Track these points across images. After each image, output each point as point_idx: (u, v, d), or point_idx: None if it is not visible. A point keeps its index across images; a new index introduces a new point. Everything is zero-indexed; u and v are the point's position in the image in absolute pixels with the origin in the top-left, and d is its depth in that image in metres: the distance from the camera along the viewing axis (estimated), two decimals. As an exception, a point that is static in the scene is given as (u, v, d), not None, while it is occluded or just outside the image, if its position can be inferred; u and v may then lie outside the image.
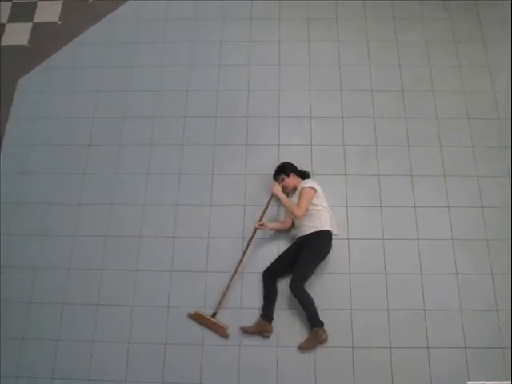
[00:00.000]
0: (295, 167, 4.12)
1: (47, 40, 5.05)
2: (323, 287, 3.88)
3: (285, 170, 4.06)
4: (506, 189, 4.19)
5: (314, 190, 3.89)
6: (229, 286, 3.83)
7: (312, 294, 3.73)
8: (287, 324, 3.78)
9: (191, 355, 3.74)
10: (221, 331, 3.76)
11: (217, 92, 4.65)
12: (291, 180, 4.04)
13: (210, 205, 4.20)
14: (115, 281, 3.99)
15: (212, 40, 4.94)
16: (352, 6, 5.07)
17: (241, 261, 3.88)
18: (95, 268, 4.03)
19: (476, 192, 4.19)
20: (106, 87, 4.75)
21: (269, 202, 4.00)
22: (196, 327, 3.80)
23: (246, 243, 3.95)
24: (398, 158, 4.32)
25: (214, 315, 3.79)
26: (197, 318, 3.81)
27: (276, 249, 4.02)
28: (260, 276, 3.90)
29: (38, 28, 5.15)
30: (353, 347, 3.70)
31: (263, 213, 3.98)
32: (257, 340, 3.73)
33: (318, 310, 3.69)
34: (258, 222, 3.94)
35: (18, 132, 4.60)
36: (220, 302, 3.80)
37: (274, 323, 3.75)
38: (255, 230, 3.93)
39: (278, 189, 3.93)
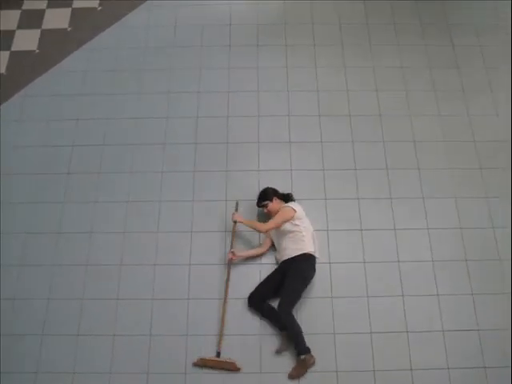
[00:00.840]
0: (277, 191, 4.12)
1: (25, 68, 5.04)
2: (306, 311, 3.87)
3: (267, 195, 4.05)
4: (483, 210, 4.26)
5: (293, 210, 3.89)
6: (223, 320, 3.80)
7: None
8: (271, 349, 3.76)
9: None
10: (231, 367, 3.68)
11: (196, 119, 4.68)
12: (274, 204, 4.02)
13: (191, 231, 4.18)
14: (96, 310, 3.92)
15: (191, 67, 4.98)
16: (329, 33, 5.17)
17: (226, 291, 3.87)
18: (75, 298, 3.97)
19: (454, 213, 4.25)
20: (86, 115, 4.74)
21: (233, 231, 4.01)
22: (180, 356, 3.75)
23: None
24: (377, 181, 4.38)
25: (218, 355, 3.72)
26: (202, 363, 3.71)
27: (258, 273, 4.01)
28: (244, 302, 3.89)
29: (15, 56, 5.14)
30: (337, 371, 3.68)
31: (231, 242, 3.99)
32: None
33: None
34: (230, 251, 3.94)
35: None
36: (220, 340, 3.75)
37: (259, 349, 3.75)
38: (229, 260, 3.93)
39: (237, 216, 3.95)
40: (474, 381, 3.66)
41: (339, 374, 3.67)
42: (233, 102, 4.78)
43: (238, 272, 4.01)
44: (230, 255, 3.91)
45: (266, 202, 4.03)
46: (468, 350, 3.77)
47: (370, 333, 3.81)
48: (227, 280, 3.91)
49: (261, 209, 4.10)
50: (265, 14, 5.31)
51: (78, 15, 5.41)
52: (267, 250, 4.07)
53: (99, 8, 5.43)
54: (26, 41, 5.27)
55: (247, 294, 3.88)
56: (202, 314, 3.87)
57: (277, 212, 3.96)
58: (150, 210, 4.29)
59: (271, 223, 3.85)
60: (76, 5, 5.48)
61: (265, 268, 4.03)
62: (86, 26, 5.31)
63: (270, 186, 4.13)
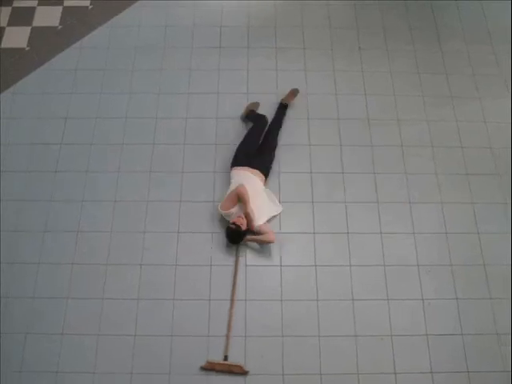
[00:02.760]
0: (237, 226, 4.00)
1: (15, 66, 5.01)
2: (291, 314, 3.88)
3: (240, 235, 4.01)
4: (469, 215, 4.30)
5: (241, 187, 4.03)
6: (230, 323, 3.83)
7: (280, 322, 3.81)
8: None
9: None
10: (238, 370, 3.70)
11: (185, 120, 4.68)
12: (243, 221, 4.02)
13: (178, 232, 4.18)
14: (81, 309, 3.91)
15: (182, 67, 4.98)
16: (319, 37, 5.18)
17: (233, 293, 3.92)
18: (61, 297, 3.95)
19: (440, 218, 4.28)
20: (75, 114, 4.72)
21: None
22: (163, 357, 3.76)
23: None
24: (364, 185, 4.39)
25: (225, 358, 3.74)
26: (210, 367, 3.72)
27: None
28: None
29: (5, 54, 5.11)
30: (321, 374, 3.70)
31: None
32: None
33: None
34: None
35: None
36: (228, 343, 3.78)
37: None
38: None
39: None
40: (457, 385, 3.68)
41: (323, 376, 3.69)
42: (222, 103, 4.78)
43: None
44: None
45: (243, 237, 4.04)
46: (452, 354, 3.80)
47: (355, 336, 3.83)
48: (234, 283, 3.95)
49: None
50: (255, 16, 5.32)
51: (68, 13, 5.38)
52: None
53: (90, 7, 5.41)
54: (16, 38, 5.23)
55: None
56: (187, 314, 3.88)
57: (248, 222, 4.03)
58: (137, 210, 4.26)
59: (249, 208, 4.00)
60: (67, 3, 5.46)
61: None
62: (77, 24, 5.29)
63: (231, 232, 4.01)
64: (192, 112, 4.72)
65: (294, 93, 4.71)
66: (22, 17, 5.37)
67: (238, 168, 4.24)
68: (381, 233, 4.19)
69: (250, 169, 4.21)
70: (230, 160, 4.35)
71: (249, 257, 4.10)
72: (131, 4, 5.40)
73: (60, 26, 5.28)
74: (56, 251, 4.12)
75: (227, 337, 3.80)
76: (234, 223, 3.95)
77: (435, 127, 4.69)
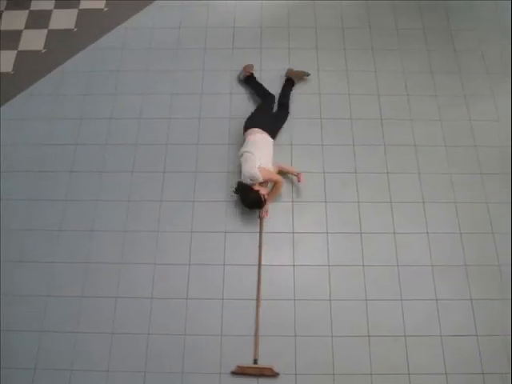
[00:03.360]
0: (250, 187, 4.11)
1: (31, 68, 5.09)
2: (304, 314, 3.88)
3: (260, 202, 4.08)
4: (484, 214, 4.26)
5: (266, 169, 4.08)
6: (257, 326, 3.84)
7: (293, 322, 3.83)
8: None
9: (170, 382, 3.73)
10: (269, 373, 3.69)
11: (199, 120, 4.70)
12: (262, 186, 4.13)
13: (191, 231, 4.20)
14: (95, 308, 3.95)
15: (194, 69, 5.01)
16: (331, 37, 5.19)
17: (259, 293, 3.94)
18: (74, 295, 3.99)
19: (454, 218, 4.25)
20: (89, 115, 4.77)
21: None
22: (176, 354, 3.78)
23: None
24: (377, 184, 4.38)
25: (255, 361, 3.73)
26: (241, 371, 3.70)
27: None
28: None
29: (22, 56, 5.18)
30: (333, 374, 3.70)
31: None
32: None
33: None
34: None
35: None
36: (256, 346, 3.78)
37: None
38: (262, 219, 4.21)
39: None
40: (471, 386, 3.65)
41: (336, 376, 3.69)
42: (235, 103, 4.80)
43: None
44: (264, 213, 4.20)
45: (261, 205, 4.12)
46: (466, 355, 3.77)
47: (368, 336, 3.81)
48: (258, 282, 3.98)
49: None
50: (268, 17, 5.34)
51: (84, 16, 5.46)
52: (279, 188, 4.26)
53: (105, 9, 5.48)
54: (33, 41, 5.31)
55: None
56: (201, 313, 3.91)
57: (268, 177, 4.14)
58: (150, 210, 4.30)
59: (274, 176, 4.19)
60: (83, 5, 5.53)
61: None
62: (92, 26, 5.36)
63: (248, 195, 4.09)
64: (204, 112, 4.75)
65: (301, 74, 4.88)
66: (38, 20, 5.47)
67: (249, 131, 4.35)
68: (394, 232, 4.17)
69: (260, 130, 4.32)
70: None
71: (262, 256, 4.10)
72: (145, 6, 5.46)
73: (76, 29, 5.35)
74: (70, 250, 4.16)
75: (256, 339, 3.80)
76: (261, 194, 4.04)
77: (449, 126, 4.66)
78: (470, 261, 4.08)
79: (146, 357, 3.78)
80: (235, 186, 4.09)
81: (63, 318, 3.92)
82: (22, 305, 3.98)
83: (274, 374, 3.68)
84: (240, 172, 4.16)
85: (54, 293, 4.01)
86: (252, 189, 4.02)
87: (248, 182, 4.02)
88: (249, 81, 4.84)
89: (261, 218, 4.21)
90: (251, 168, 4.00)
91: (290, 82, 4.81)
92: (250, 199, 4.03)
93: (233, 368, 3.72)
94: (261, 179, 4.01)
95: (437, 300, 3.94)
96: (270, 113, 4.60)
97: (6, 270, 4.10)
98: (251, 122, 4.39)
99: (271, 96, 4.68)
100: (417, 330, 3.84)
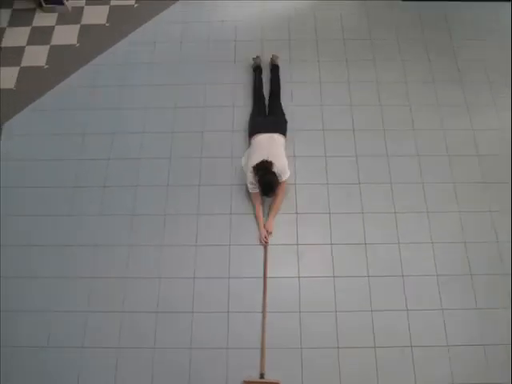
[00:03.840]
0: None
1: (33, 83, 5.12)
2: (309, 326, 3.88)
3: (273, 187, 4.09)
4: (487, 223, 4.26)
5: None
6: (263, 340, 3.83)
7: (297, 333, 3.84)
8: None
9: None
10: None
11: (202, 133, 4.72)
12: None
13: (196, 245, 4.21)
14: (101, 323, 3.94)
15: (197, 82, 5.04)
16: (333, 49, 5.22)
17: (265, 305, 3.93)
18: (80, 311, 3.99)
19: (458, 227, 4.25)
20: (92, 129, 4.80)
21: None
22: (182, 369, 3.77)
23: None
24: (381, 195, 4.39)
25: (262, 376, 3.70)
26: None
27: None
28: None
29: (24, 72, 5.22)
30: (340, 379, 3.69)
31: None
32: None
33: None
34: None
35: (4, 175, 4.60)
36: (263, 360, 3.76)
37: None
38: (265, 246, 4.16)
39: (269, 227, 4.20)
40: (479, 397, 3.63)
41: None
42: (238, 116, 4.82)
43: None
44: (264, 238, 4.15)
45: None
46: (473, 365, 3.75)
47: (374, 347, 3.80)
48: (264, 294, 3.98)
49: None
50: (269, 30, 5.40)
51: (86, 31, 5.51)
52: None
53: (107, 24, 5.52)
54: (36, 56, 5.36)
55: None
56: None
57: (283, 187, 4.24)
58: (155, 224, 4.31)
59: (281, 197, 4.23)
60: (85, 21, 5.58)
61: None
62: (94, 42, 5.40)
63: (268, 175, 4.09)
64: (208, 125, 4.77)
65: (274, 56, 5.06)
66: (41, 36, 5.52)
67: (259, 135, 4.33)
68: (399, 243, 4.17)
69: (270, 134, 4.32)
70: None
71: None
72: (147, 20, 5.51)
73: (78, 44, 5.40)
74: (73, 265, 4.17)
75: (262, 352, 3.78)
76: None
77: (451, 135, 4.68)
78: (475, 270, 4.08)
79: (152, 371, 3.78)
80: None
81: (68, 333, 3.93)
82: (26, 321, 3.98)
83: None
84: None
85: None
86: (274, 173, 4.04)
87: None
88: (256, 70, 5.00)
89: (265, 243, 4.18)
90: (285, 166, 4.12)
91: (276, 69, 4.98)
92: (268, 178, 4.02)
93: (240, 383, 3.71)
94: (284, 178, 4.10)
95: (442, 310, 3.93)
96: (274, 108, 4.68)
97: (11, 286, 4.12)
98: (264, 127, 4.38)
99: (260, 76, 4.96)
100: (423, 341, 3.83)
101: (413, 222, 4.27)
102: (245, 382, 3.69)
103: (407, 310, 3.93)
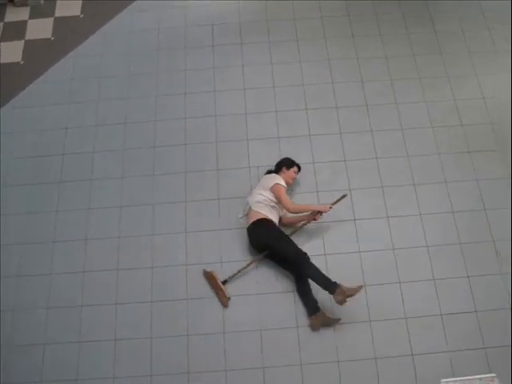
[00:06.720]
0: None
1: (11, 80, 5.04)
2: (308, 340, 3.82)
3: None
4: (474, 192, 4.30)
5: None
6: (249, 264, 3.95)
7: (297, 349, 3.78)
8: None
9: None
10: (223, 299, 3.85)
11: (184, 120, 4.70)
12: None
13: (186, 232, 4.20)
14: (95, 316, 3.94)
15: (177, 69, 5.00)
16: (311, 27, 5.20)
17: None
18: (75, 305, 3.98)
19: (446, 197, 4.29)
20: (74, 123, 4.75)
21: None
22: (182, 357, 3.77)
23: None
24: (368, 171, 4.41)
25: (224, 282, 3.88)
26: (209, 277, 3.92)
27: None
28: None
29: (1, 69, 5.13)
30: (338, 362, 3.71)
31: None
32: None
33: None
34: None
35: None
36: (235, 274, 3.92)
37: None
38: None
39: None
40: (474, 362, 3.67)
41: (340, 364, 3.71)
42: (220, 101, 4.80)
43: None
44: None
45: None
46: (466, 331, 3.79)
47: (369, 321, 3.83)
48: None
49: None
50: (246, 12, 5.34)
51: (60, 24, 5.41)
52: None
53: (81, 16, 5.44)
54: (11, 53, 5.26)
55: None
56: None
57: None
58: (144, 214, 4.29)
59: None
60: (58, 14, 5.49)
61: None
62: (70, 34, 5.32)
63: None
64: (190, 112, 4.74)
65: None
66: (14, 31, 5.41)
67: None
68: (387, 217, 4.20)
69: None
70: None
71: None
72: (121, 10, 5.43)
73: (53, 38, 5.31)
74: (66, 260, 4.15)
75: (239, 269, 3.93)
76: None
77: (434, 107, 4.70)
78: (464, 238, 4.11)
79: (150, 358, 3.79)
80: None
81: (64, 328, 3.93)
82: (22, 318, 3.96)
83: (224, 304, 3.85)
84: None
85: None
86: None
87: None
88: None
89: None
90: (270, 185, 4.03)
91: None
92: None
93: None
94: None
95: (434, 279, 3.97)
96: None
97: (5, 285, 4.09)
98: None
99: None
100: (416, 312, 3.85)
101: (400, 196, 4.30)
102: (211, 272, 3.92)
103: (399, 282, 3.95)
